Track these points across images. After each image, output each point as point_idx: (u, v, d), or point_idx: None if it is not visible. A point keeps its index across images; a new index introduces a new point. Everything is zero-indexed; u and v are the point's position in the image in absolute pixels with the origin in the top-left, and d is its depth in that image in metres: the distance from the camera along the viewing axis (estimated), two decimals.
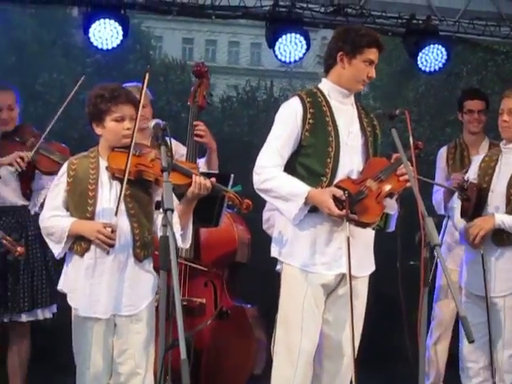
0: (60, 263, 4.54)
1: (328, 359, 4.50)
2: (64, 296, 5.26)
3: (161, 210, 3.56)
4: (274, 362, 4.48)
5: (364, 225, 4.32)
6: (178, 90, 6.69)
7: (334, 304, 4.45)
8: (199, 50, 12.28)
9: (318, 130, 4.38)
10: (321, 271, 4.36)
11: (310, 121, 4.37)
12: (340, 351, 4.46)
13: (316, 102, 4.44)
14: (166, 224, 3.45)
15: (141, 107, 4.11)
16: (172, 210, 3.46)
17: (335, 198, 4.21)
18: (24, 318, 5.31)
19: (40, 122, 5.92)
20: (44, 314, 5.39)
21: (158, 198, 4.03)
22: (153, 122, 3.81)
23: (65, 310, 5.41)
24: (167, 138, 3.79)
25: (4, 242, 3.87)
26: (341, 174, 4.37)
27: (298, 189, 4.30)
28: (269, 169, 4.36)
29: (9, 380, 5.48)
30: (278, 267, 4.48)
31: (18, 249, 3.85)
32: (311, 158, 4.38)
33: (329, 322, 4.47)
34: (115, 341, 4.18)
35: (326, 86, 4.49)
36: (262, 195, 4.40)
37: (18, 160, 5.16)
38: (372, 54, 4.38)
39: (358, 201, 4.26)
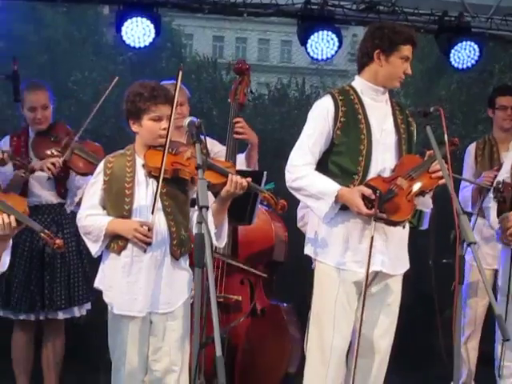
0: (95, 261, 4.58)
1: (361, 357, 4.48)
2: (96, 294, 5.34)
3: (196, 207, 3.57)
4: (306, 359, 4.51)
5: (394, 223, 4.32)
6: (209, 87, 6.71)
7: (367, 301, 4.41)
8: (230, 48, 12.29)
9: (350, 128, 4.38)
10: (353, 269, 4.37)
11: (342, 119, 4.38)
12: (373, 349, 4.47)
13: (348, 99, 4.44)
14: (201, 221, 3.45)
15: (175, 105, 4.11)
16: (207, 208, 3.46)
17: (364, 197, 4.22)
18: (60, 315, 5.35)
19: (73, 120, 5.96)
20: (80, 311, 5.43)
21: (194, 196, 4.04)
22: (187, 120, 3.81)
23: (96, 307, 5.48)
24: (202, 136, 3.80)
25: (42, 235, 3.88)
26: (373, 172, 4.37)
27: (328, 187, 4.31)
28: (300, 167, 4.39)
29: (43, 376, 5.52)
30: (313, 265, 4.50)
31: (57, 241, 3.87)
32: (343, 156, 4.39)
33: (362, 319, 4.47)
34: (151, 338, 4.19)
35: (359, 83, 4.50)
36: (294, 193, 4.43)
37: (50, 166, 5.17)
38: (408, 50, 4.38)
39: (388, 199, 4.26)
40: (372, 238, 4.24)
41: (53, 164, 5.18)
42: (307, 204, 4.44)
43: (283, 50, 13.07)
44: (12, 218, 3.83)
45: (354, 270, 4.36)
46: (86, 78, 7.90)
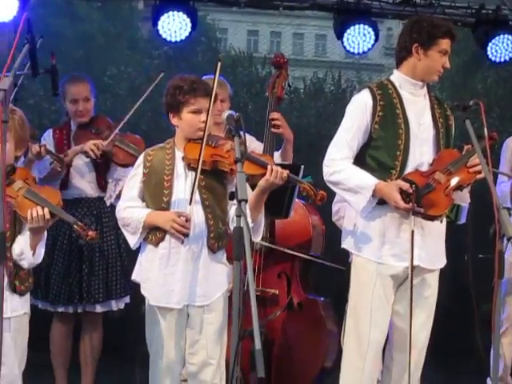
0: (134, 255, 4.61)
1: (398, 351, 4.49)
2: (134, 287, 5.36)
3: (234, 200, 3.57)
4: (343, 353, 4.51)
5: (431, 218, 4.31)
6: (245, 81, 6.72)
7: (405, 296, 4.42)
8: (264, 42, 12.31)
9: (388, 122, 4.38)
10: (390, 262, 4.37)
11: (380, 113, 4.38)
12: (408, 342, 4.42)
13: (386, 94, 4.43)
14: (240, 215, 3.45)
15: (213, 97, 4.12)
16: (246, 201, 3.45)
17: (402, 191, 4.22)
18: (98, 308, 5.39)
19: (110, 114, 5.98)
20: (118, 304, 5.47)
21: (233, 189, 4.04)
22: (226, 113, 3.81)
23: (131, 301, 5.51)
24: (241, 130, 3.80)
25: (75, 227, 3.91)
26: (411, 167, 4.37)
27: (366, 181, 4.32)
28: (338, 161, 4.40)
29: (81, 369, 5.56)
30: (350, 259, 4.49)
31: (90, 233, 3.89)
32: (381, 150, 4.39)
33: (399, 313, 4.47)
34: (188, 331, 4.21)
35: (397, 77, 4.49)
36: (332, 187, 4.43)
37: (93, 147, 5.22)
38: (446, 44, 4.37)
39: (425, 193, 4.26)
40: (412, 232, 4.24)
41: (95, 145, 5.22)
42: (344, 198, 4.45)
43: (317, 44, 13.05)
44: (46, 210, 3.86)
45: (391, 264, 4.37)
46: (121, 72, 7.94)
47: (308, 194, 4.07)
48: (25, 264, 4.01)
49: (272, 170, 4.01)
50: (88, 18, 10.67)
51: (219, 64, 4.15)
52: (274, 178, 4.01)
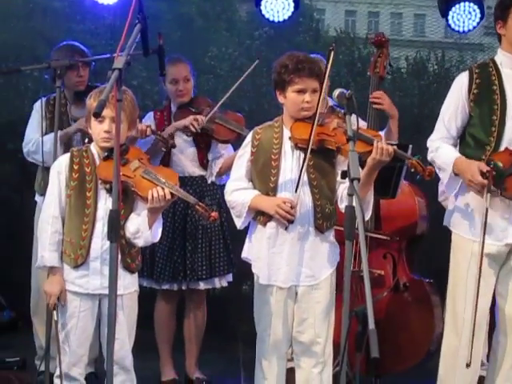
0: (236, 233, 4.63)
1: (502, 334, 4.48)
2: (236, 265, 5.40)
3: (345, 179, 3.55)
4: (444, 331, 4.58)
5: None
6: (347, 61, 6.68)
7: (506, 276, 4.44)
8: (362, 23, 12.17)
9: (483, 99, 4.40)
10: (486, 241, 4.32)
11: (475, 91, 4.42)
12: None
13: (485, 71, 4.45)
14: (353, 193, 3.43)
15: (326, 82, 4.12)
16: (358, 180, 3.43)
17: (482, 173, 4.24)
18: (202, 285, 5.42)
19: (212, 95, 6.03)
20: (221, 282, 5.48)
21: (342, 168, 4.02)
22: (337, 91, 3.80)
23: (234, 279, 5.54)
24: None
25: (197, 207, 3.93)
26: (506, 143, 4.35)
27: (448, 157, 4.41)
28: (434, 142, 4.53)
29: (185, 346, 5.62)
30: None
31: (212, 214, 3.91)
32: (476, 127, 4.43)
33: (502, 295, 4.46)
34: (296, 310, 4.22)
35: (499, 56, 4.50)
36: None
37: (194, 122, 5.26)
38: None
39: (509, 174, 4.24)
40: (486, 210, 4.25)
41: (196, 120, 5.26)
42: (440, 176, 4.51)
43: (416, 23, 12.88)
44: (166, 190, 3.90)
45: (486, 242, 4.32)
46: (222, 53, 7.96)
47: (416, 170, 4.02)
48: (140, 242, 4.07)
49: (378, 148, 3.96)
50: (187, 1, 10.74)
51: (332, 53, 4.09)
52: (381, 156, 3.95)
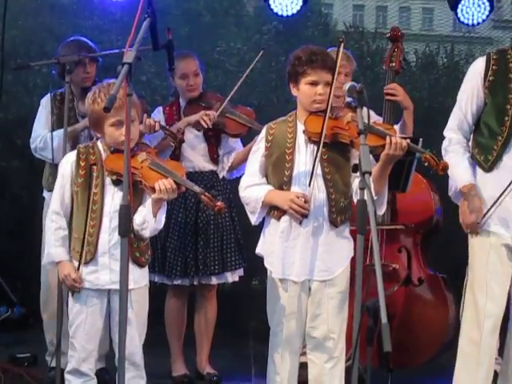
0: (247, 228, 4.62)
1: None
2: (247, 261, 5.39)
3: (358, 173, 3.53)
4: (461, 326, 4.45)
5: None
6: (356, 55, 6.59)
7: None
8: (370, 17, 12.17)
9: (498, 87, 4.32)
10: (500, 231, 4.30)
11: (491, 78, 4.33)
12: None
13: (503, 59, 4.36)
14: (365, 187, 3.41)
15: (336, 74, 4.10)
16: (370, 173, 3.41)
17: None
18: (214, 280, 5.42)
19: (221, 89, 6.02)
20: (233, 277, 5.48)
21: (355, 161, 4.00)
22: (348, 85, 3.77)
23: (244, 274, 5.53)
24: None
25: (203, 197, 3.94)
26: None
27: (462, 179, 4.39)
28: (447, 131, 4.49)
29: (196, 341, 5.61)
30: None
31: (218, 203, 3.92)
32: (490, 115, 4.35)
33: None
34: (309, 305, 4.21)
35: None
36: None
37: (205, 118, 5.25)
38: None
39: None
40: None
41: (207, 115, 5.25)
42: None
43: (425, 17, 12.86)
44: (173, 181, 3.91)
45: (502, 233, 4.30)
46: (231, 48, 7.94)
47: (430, 164, 3.96)
48: (146, 233, 4.07)
49: (391, 142, 3.94)
50: None
51: (342, 45, 4.10)
52: (394, 150, 3.93)
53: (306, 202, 4.06)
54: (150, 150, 4.16)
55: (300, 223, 4.12)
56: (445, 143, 4.50)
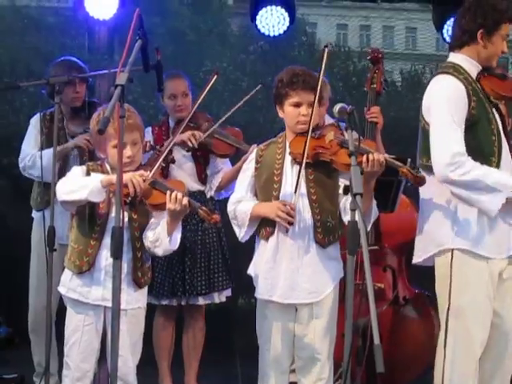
0: (235, 248, 4.62)
1: (493, 348, 4.20)
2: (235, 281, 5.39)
3: (349, 194, 3.54)
4: (448, 354, 4.15)
5: None
6: (342, 75, 6.68)
7: (499, 290, 4.19)
8: (353, 36, 12.28)
9: (481, 106, 4.17)
10: (498, 257, 4.14)
11: (474, 98, 4.14)
12: (506, 339, 4.21)
13: (467, 79, 4.17)
14: (355, 208, 3.43)
15: (318, 90, 4.12)
16: (361, 195, 3.42)
17: None
18: (201, 300, 5.41)
19: (207, 109, 6.01)
20: (220, 297, 5.48)
21: (344, 181, 4.03)
22: (338, 106, 3.78)
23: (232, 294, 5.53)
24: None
25: (200, 211, 3.95)
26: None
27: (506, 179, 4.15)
28: (464, 158, 4.12)
29: (184, 361, 5.60)
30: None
31: (214, 216, 3.93)
32: (479, 135, 4.15)
33: (495, 311, 4.20)
34: (296, 326, 4.21)
35: (461, 60, 4.24)
36: (456, 189, 4.13)
37: (190, 137, 5.27)
38: (508, 28, 4.21)
39: None
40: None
41: (193, 135, 5.27)
42: (472, 200, 4.08)
43: (408, 37, 12.94)
44: (180, 195, 3.91)
45: (496, 260, 4.13)
46: (217, 68, 8.00)
47: (407, 178, 3.90)
48: (159, 251, 4.09)
49: (368, 160, 3.86)
50: (179, 15, 10.78)
51: (326, 50, 4.12)
52: (372, 167, 3.86)
53: (292, 209, 4.07)
54: (147, 169, 4.17)
55: (287, 231, 4.12)
56: (460, 170, 4.04)
